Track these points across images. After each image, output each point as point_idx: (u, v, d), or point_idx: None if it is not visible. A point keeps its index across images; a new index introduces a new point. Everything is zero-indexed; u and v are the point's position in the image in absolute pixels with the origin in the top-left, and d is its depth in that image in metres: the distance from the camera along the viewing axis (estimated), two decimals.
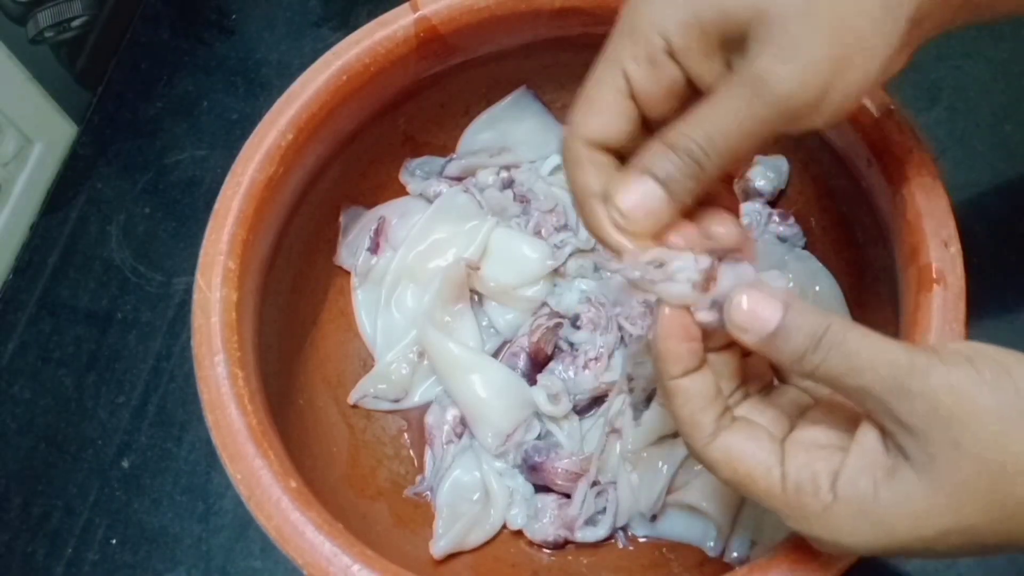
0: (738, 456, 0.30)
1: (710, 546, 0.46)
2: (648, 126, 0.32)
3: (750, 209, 0.52)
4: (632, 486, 0.47)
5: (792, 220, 0.52)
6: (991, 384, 0.27)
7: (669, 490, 0.47)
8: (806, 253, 0.52)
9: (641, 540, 0.48)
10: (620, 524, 0.48)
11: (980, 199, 0.57)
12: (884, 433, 0.29)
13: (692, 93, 0.31)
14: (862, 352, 0.28)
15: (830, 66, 0.29)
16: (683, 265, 0.30)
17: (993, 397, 0.27)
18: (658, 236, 0.31)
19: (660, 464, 0.46)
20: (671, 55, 0.31)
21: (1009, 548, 0.28)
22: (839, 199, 0.49)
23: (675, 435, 0.47)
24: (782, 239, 0.52)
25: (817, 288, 0.51)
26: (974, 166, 0.59)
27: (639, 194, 0.31)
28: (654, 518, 0.48)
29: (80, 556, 0.54)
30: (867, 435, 0.29)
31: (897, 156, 0.41)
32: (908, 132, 0.42)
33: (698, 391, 0.31)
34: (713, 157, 0.30)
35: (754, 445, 0.30)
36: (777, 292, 0.30)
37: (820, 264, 0.51)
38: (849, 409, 0.31)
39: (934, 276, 0.39)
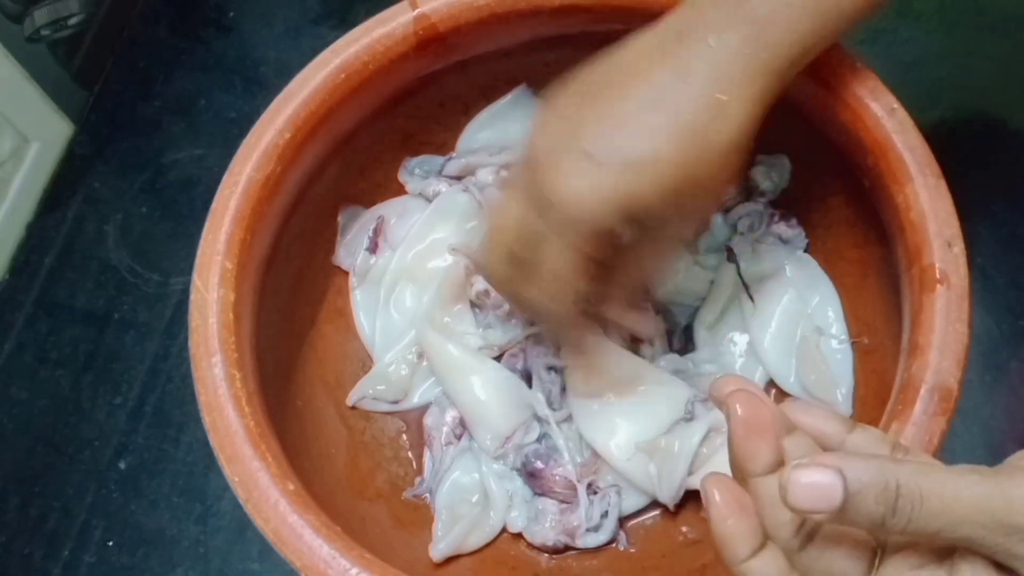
0: None
1: None
2: None
3: (751, 209, 0.52)
4: (651, 477, 0.47)
5: (794, 221, 0.52)
6: None
7: None
8: (807, 257, 0.52)
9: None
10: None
11: (984, 199, 0.57)
12: (996, 565, 0.26)
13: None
14: (947, 504, 0.26)
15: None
16: None
17: None
18: None
19: (677, 449, 0.46)
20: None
21: None
22: (841, 199, 0.49)
23: (688, 419, 0.47)
24: (784, 240, 0.52)
25: (817, 299, 0.50)
26: (975, 166, 0.59)
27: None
28: (677, 509, 0.47)
29: (77, 558, 0.54)
30: (975, 569, 0.27)
31: (899, 156, 0.41)
32: (909, 132, 0.41)
33: (771, 570, 0.29)
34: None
35: None
36: (830, 460, 0.27)
37: (821, 270, 0.51)
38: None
39: (937, 276, 0.39)
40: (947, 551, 0.27)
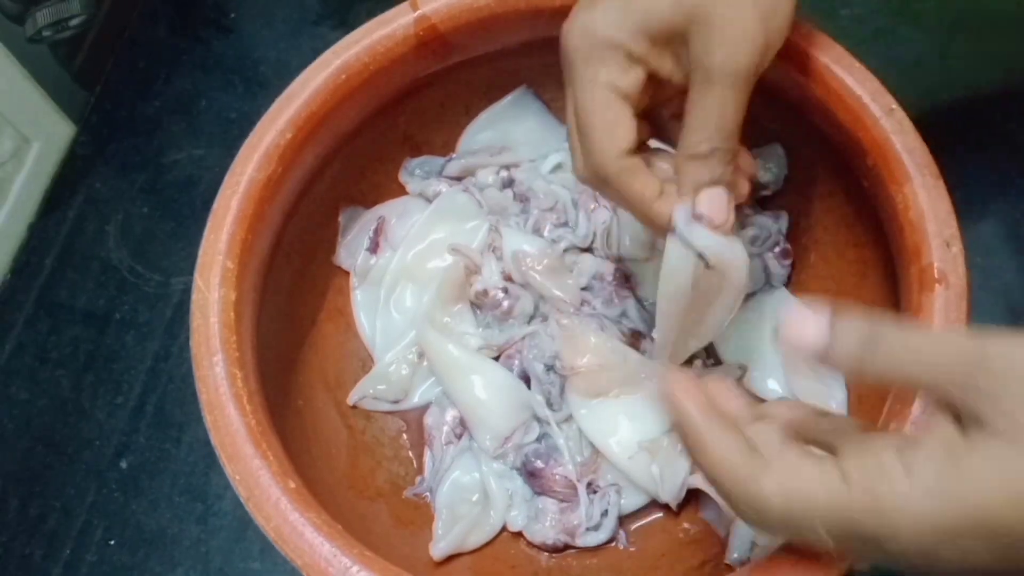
0: (790, 479, 0.29)
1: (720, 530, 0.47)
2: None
3: (761, 222, 0.52)
4: (653, 476, 0.47)
5: (789, 263, 0.52)
6: None
7: None
8: (785, 293, 0.52)
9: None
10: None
11: (983, 199, 0.57)
12: (957, 414, 0.28)
13: (657, 85, 0.39)
14: (924, 341, 0.28)
15: (758, 30, 0.36)
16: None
17: None
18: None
19: (680, 447, 0.46)
20: (632, 59, 0.37)
21: None
22: (840, 199, 0.49)
23: None
24: (768, 272, 0.52)
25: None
26: (976, 166, 0.59)
27: (710, 198, 0.37)
28: (679, 508, 0.48)
29: (78, 557, 0.54)
30: (938, 422, 0.28)
31: (898, 156, 0.41)
32: (909, 131, 0.42)
33: (734, 438, 0.30)
34: (729, 140, 0.37)
35: (808, 460, 0.29)
36: (819, 307, 0.30)
37: (794, 299, 0.52)
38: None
39: (936, 276, 0.39)
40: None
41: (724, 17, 0.35)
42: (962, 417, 0.28)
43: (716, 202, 0.37)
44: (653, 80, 0.38)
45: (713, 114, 0.36)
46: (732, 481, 0.30)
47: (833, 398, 0.48)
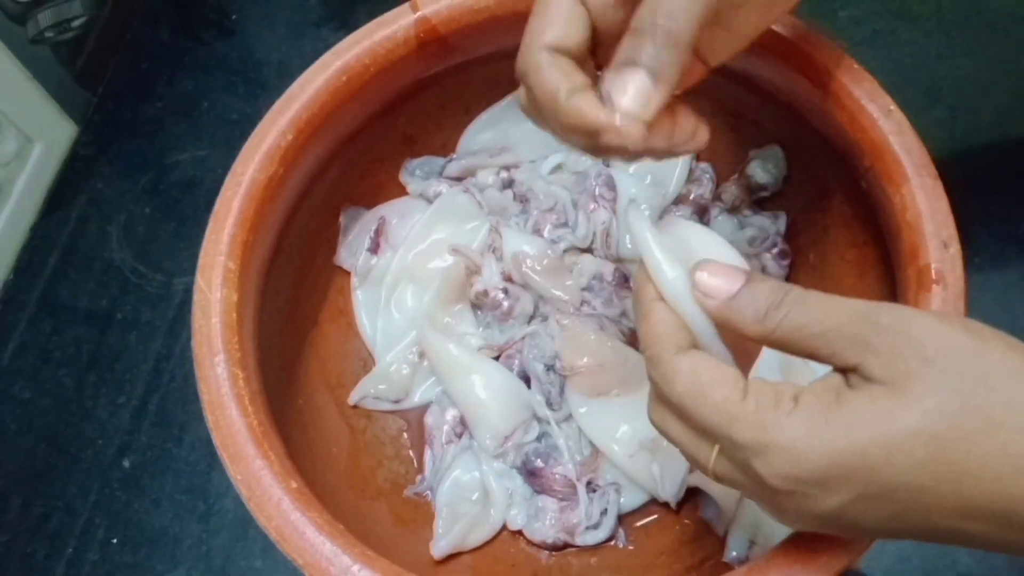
0: (705, 369, 0.30)
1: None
2: (598, 40, 0.34)
3: (759, 222, 0.52)
4: (653, 475, 0.47)
5: (787, 263, 0.52)
6: (959, 322, 0.28)
7: None
8: None
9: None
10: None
11: (980, 200, 0.57)
12: (847, 372, 0.29)
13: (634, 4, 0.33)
14: (825, 304, 0.29)
15: None
16: None
17: (965, 329, 0.28)
18: (650, 127, 0.32)
19: None
20: None
21: (983, 484, 0.27)
22: (839, 199, 0.50)
23: None
24: (766, 272, 0.52)
25: None
26: (974, 167, 0.59)
27: (634, 86, 0.31)
28: (679, 506, 0.48)
29: (80, 556, 0.54)
30: (829, 374, 0.29)
31: (897, 156, 0.41)
32: (908, 131, 0.42)
33: (675, 319, 0.32)
34: (684, 27, 0.31)
35: (723, 364, 0.31)
36: (742, 268, 0.32)
37: None
38: None
39: (933, 277, 0.39)
40: None
41: None
42: (850, 375, 0.29)
43: (637, 87, 0.31)
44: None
45: None
46: (657, 346, 0.31)
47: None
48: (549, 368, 0.49)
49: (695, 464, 0.32)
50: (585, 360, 0.49)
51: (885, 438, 0.27)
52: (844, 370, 0.29)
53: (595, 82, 0.33)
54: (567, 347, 0.49)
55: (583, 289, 0.51)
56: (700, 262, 0.32)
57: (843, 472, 0.27)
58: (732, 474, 0.30)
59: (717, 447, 0.30)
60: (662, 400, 0.31)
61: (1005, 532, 0.27)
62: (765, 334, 0.30)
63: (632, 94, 0.31)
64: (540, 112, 0.34)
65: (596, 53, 0.35)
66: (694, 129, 0.35)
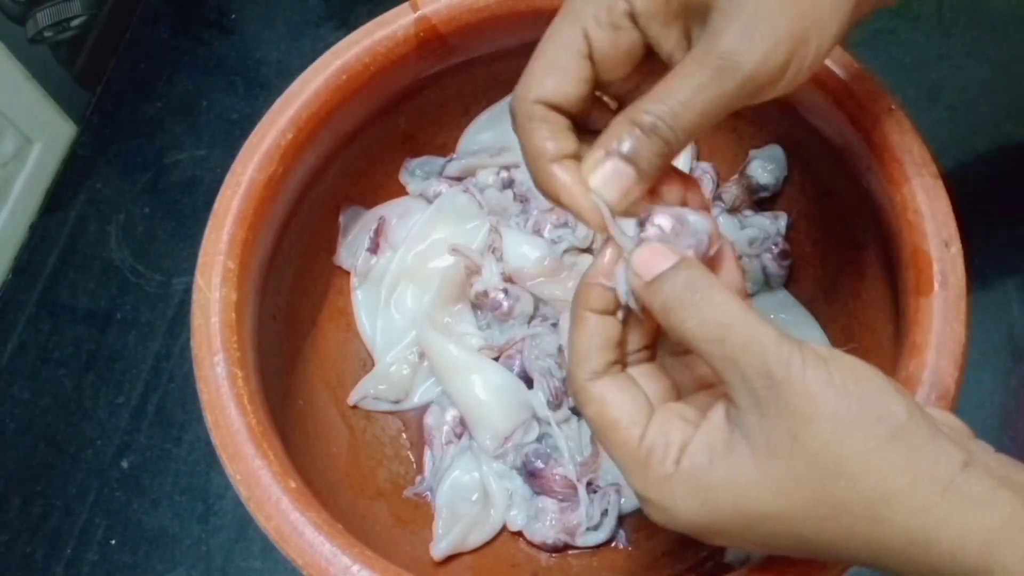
0: (611, 402, 0.31)
1: None
2: (599, 88, 0.33)
3: (759, 223, 0.52)
4: None
5: (787, 264, 0.52)
6: (838, 387, 0.28)
7: None
8: (784, 295, 0.52)
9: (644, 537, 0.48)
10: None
11: (981, 199, 0.57)
12: (731, 407, 0.29)
13: (647, 59, 0.32)
14: (736, 324, 0.29)
15: (789, 43, 0.30)
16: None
17: (837, 401, 0.28)
18: (625, 212, 0.32)
19: None
20: (632, 19, 0.31)
21: (833, 555, 0.29)
22: (839, 199, 0.49)
23: None
24: (766, 273, 0.52)
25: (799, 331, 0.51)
26: (975, 166, 0.59)
27: (609, 173, 0.31)
28: None
29: (79, 556, 0.54)
30: (717, 412, 0.30)
31: (897, 156, 0.41)
32: (909, 132, 0.42)
33: (603, 330, 0.32)
34: (679, 133, 0.30)
35: (629, 399, 0.31)
36: (683, 252, 0.31)
37: (800, 306, 0.52)
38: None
39: (935, 276, 0.39)
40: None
41: (760, 12, 0.30)
42: (732, 408, 0.29)
43: (616, 178, 0.31)
44: (644, 53, 0.32)
45: (682, 91, 0.30)
46: (575, 363, 0.32)
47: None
48: (550, 369, 0.49)
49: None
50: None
51: (745, 515, 0.29)
52: (730, 402, 0.29)
53: (584, 136, 0.33)
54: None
55: None
56: (643, 244, 0.31)
57: (715, 534, 0.30)
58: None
59: None
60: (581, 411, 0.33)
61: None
62: (671, 329, 0.30)
63: (616, 188, 0.31)
64: (527, 163, 0.33)
65: (595, 104, 0.34)
66: (679, 197, 0.34)
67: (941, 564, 0.27)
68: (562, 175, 0.32)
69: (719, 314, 0.29)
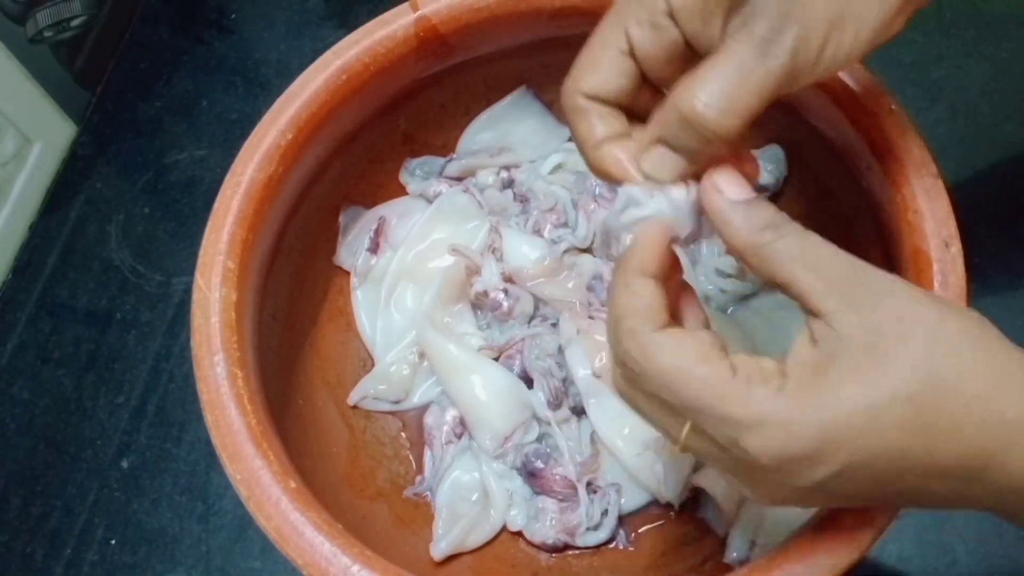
0: (692, 343, 0.30)
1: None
2: (648, 80, 0.34)
3: None
4: (656, 475, 0.47)
5: None
6: (933, 300, 0.29)
7: None
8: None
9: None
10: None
11: (981, 199, 0.57)
12: (818, 326, 0.29)
13: (691, 56, 0.33)
14: (819, 242, 0.30)
15: (826, 25, 0.31)
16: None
17: (928, 295, 0.29)
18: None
19: None
20: (672, 17, 0.32)
21: (950, 450, 0.28)
22: (839, 199, 0.49)
23: None
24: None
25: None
26: (975, 166, 0.59)
27: (665, 163, 0.32)
28: (680, 507, 0.48)
29: (79, 556, 0.54)
30: (799, 342, 0.30)
31: (897, 156, 0.41)
32: (909, 132, 0.42)
33: (656, 291, 0.31)
34: (732, 123, 0.31)
35: (707, 338, 0.31)
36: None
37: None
38: None
39: (934, 277, 0.39)
40: None
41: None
42: (815, 322, 0.29)
43: (665, 163, 0.32)
44: (687, 51, 0.33)
45: (729, 78, 0.30)
46: (636, 319, 0.31)
47: None
48: (550, 369, 0.49)
49: (664, 434, 0.32)
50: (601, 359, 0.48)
51: (871, 404, 0.28)
52: (812, 312, 0.30)
53: (636, 121, 0.34)
54: (596, 350, 0.49)
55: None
56: (717, 168, 0.32)
57: (834, 444, 0.28)
58: (707, 448, 0.30)
59: (689, 423, 0.30)
60: (633, 372, 0.31)
61: (965, 488, 0.29)
62: (754, 246, 0.30)
63: (666, 171, 0.32)
64: (577, 148, 0.35)
65: (644, 89, 0.34)
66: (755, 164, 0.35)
67: None
68: (615, 151, 0.33)
69: (803, 240, 0.30)
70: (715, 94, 0.30)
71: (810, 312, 0.30)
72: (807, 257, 0.30)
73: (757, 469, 0.29)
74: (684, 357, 0.30)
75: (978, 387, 0.28)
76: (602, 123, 0.33)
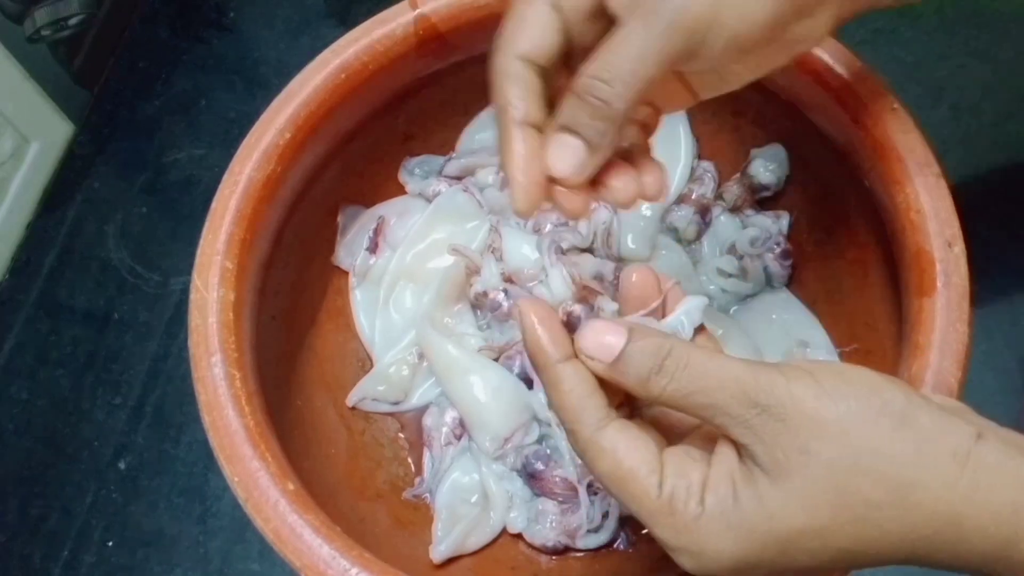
0: (624, 450, 0.30)
1: None
2: (570, 48, 0.34)
3: (761, 223, 0.52)
4: None
5: (789, 264, 0.52)
6: (831, 393, 0.28)
7: None
8: (786, 295, 0.52)
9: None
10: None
11: (984, 199, 0.57)
12: (737, 446, 0.29)
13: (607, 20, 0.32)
14: (708, 372, 0.29)
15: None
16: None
17: (834, 405, 0.28)
18: (585, 187, 0.33)
19: None
20: None
21: (869, 560, 0.29)
22: (841, 198, 0.49)
23: None
24: (768, 273, 0.52)
25: (798, 330, 0.50)
26: (978, 166, 0.59)
27: (565, 152, 0.32)
28: None
29: (77, 558, 0.54)
30: (723, 448, 0.30)
31: (900, 155, 0.41)
32: (911, 131, 0.41)
33: (583, 377, 0.31)
34: (620, 90, 0.31)
35: (642, 446, 0.30)
36: (624, 321, 0.32)
37: (800, 304, 0.52)
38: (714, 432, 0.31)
39: (938, 276, 0.39)
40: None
41: None
42: (738, 447, 0.29)
43: (564, 151, 0.32)
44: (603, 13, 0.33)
45: (622, 48, 0.31)
46: (576, 421, 0.31)
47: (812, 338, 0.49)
48: None
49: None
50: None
51: (778, 538, 0.28)
52: (733, 442, 0.29)
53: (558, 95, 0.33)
54: None
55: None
56: (583, 325, 0.31)
57: (751, 567, 0.29)
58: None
59: None
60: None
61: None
62: (652, 398, 0.30)
63: (566, 161, 0.32)
64: (495, 117, 0.34)
65: (568, 64, 0.34)
66: (659, 180, 0.35)
67: (975, 540, 0.27)
68: (518, 144, 0.32)
69: (690, 372, 0.29)
70: (601, 65, 0.31)
71: (721, 436, 0.30)
72: (702, 397, 0.29)
73: None
74: (619, 467, 0.30)
75: (889, 505, 0.28)
76: (524, 101, 0.32)
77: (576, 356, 0.31)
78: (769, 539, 0.28)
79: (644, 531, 0.48)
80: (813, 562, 0.29)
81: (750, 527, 0.28)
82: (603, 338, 0.30)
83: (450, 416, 0.50)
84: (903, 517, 0.28)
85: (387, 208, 0.55)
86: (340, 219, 0.54)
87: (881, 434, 0.28)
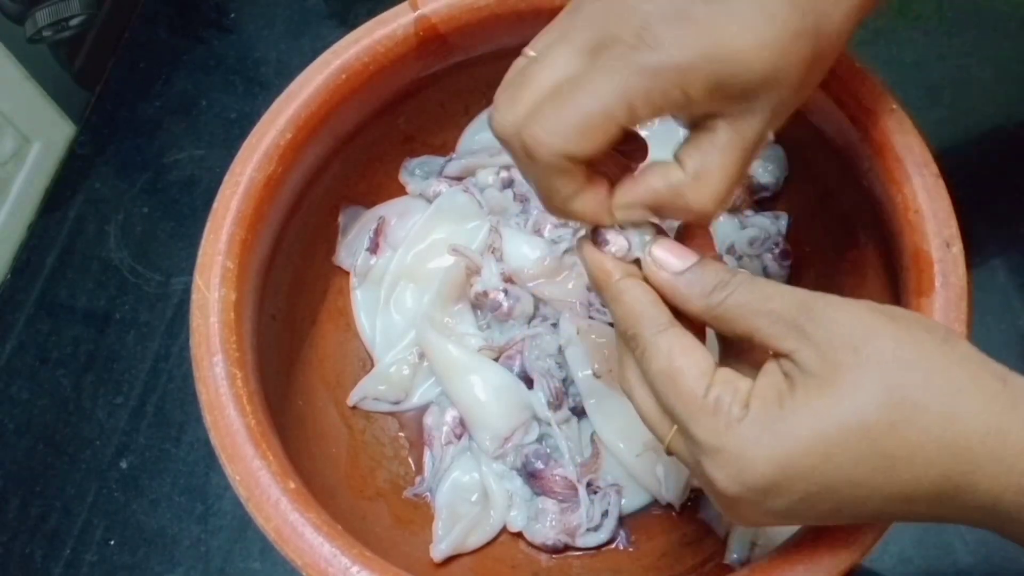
0: (680, 351, 0.31)
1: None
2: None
3: (760, 223, 0.52)
4: (657, 476, 0.47)
5: (788, 264, 0.52)
6: (881, 310, 0.30)
7: None
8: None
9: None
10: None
11: (982, 199, 0.57)
12: (786, 361, 0.30)
13: None
14: (767, 287, 0.31)
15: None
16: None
17: (885, 318, 0.30)
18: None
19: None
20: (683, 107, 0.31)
21: (911, 473, 0.28)
22: (840, 199, 0.49)
23: None
24: (767, 273, 0.52)
25: None
26: (976, 165, 0.59)
27: (631, 216, 0.33)
28: (683, 508, 0.48)
29: (78, 557, 0.54)
30: (770, 366, 0.31)
31: (898, 155, 0.41)
32: (910, 131, 0.42)
33: (645, 289, 0.33)
34: (707, 202, 0.32)
35: (698, 350, 0.31)
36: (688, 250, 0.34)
37: None
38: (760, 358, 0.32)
39: (936, 277, 0.39)
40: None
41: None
42: (787, 361, 0.30)
43: (675, 250, 0.33)
44: None
45: (711, 158, 0.32)
46: (638, 325, 0.32)
47: None
48: (551, 369, 0.49)
49: (653, 433, 0.33)
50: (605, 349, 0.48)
51: (823, 439, 0.28)
52: (779, 354, 0.30)
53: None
54: (596, 351, 0.48)
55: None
56: (656, 238, 0.33)
57: (788, 478, 0.29)
58: (685, 457, 0.32)
59: (675, 427, 0.31)
60: (638, 369, 0.33)
61: (936, 510, 0.29)
62: (708, 309, 0.31)
63: (677, 256, 0.34)
64: (534, 188, 0.35)
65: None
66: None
67: (1015, 456, 0.28)
68: (588, 203, 0.33)
69: (751, 287, 0.31)
70: (696, 168, 0.31)
71: (775, 354, 0.31)
72: (759, 305, 0.31)
73: (719, 495, 0.30)
74: (671, 365, 0.31)
75: (936, 410, 0.28)
76: (574, 183, 0.32)
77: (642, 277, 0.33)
78: (813, 443, 0.28)
79: (643, 530, 0.49)
80: (855, 471, 0.28)
81: (794, 432, 0.28)
82: (676, 250, 0.33)
83: (450, 415, 0.50)
84: (948, 425, 0.28)
85: (388, 208, 0.55)
86: (341, 219, 0.54)
87: (930, 345, 0.29)
